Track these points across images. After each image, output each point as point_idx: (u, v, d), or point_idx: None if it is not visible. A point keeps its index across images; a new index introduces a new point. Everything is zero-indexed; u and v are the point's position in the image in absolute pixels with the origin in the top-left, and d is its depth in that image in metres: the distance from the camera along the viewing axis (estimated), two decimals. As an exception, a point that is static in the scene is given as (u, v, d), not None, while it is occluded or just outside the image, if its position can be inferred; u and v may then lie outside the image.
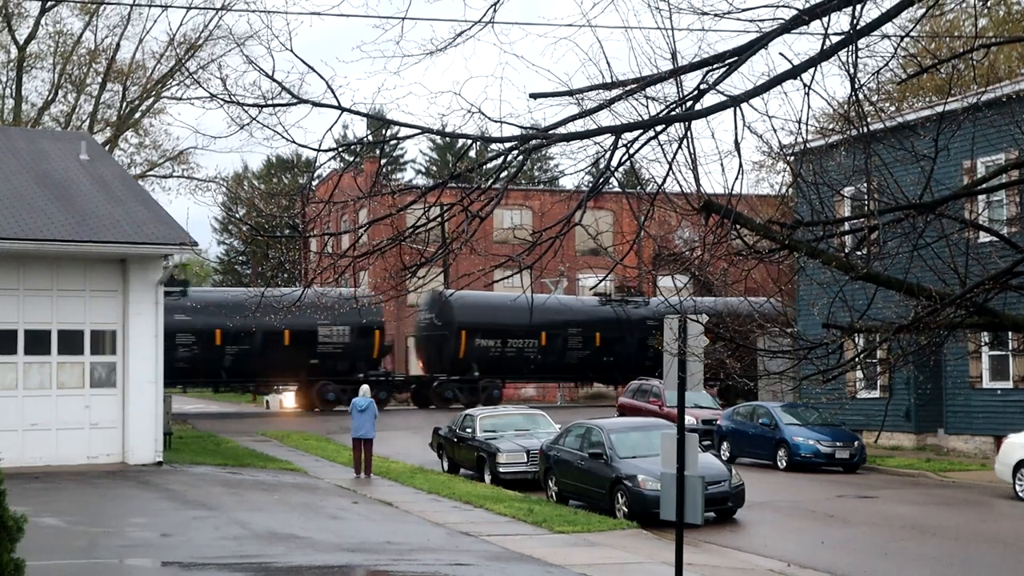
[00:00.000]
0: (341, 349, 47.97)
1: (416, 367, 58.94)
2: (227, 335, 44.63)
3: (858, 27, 8.90)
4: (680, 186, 9.53)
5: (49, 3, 48.38)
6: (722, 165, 9.88)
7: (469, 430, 28.00)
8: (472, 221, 9.37)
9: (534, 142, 9.27)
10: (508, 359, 50.79)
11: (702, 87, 9.11)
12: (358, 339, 47.88)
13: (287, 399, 55.14)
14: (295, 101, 9.46)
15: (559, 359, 51.53)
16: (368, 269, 43.24)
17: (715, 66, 9.15)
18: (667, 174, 9.38)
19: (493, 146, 9.60)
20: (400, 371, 59.66)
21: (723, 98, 9.02)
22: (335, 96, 9.41)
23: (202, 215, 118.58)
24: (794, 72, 9.01)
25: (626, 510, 21.16)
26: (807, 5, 9.03)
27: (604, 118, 9.43)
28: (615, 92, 9.32)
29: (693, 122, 9.23)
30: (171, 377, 46.26)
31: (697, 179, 9.38)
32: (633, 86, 9.30)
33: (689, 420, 24.24)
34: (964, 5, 37.48)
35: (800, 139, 9.34)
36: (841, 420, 31.37)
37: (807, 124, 9.21)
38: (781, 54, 9.22)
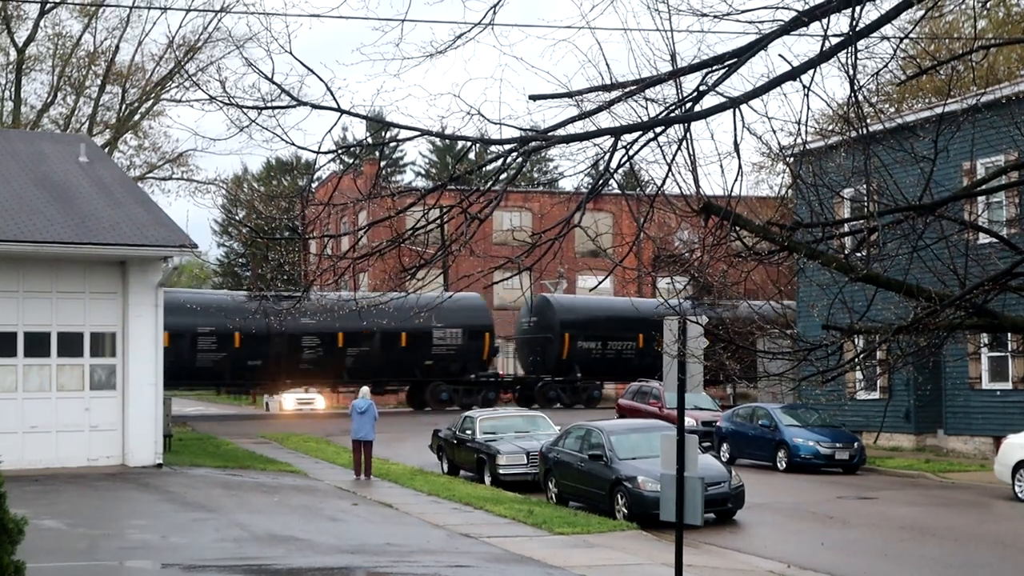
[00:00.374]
0: (454, 351, 49.76)
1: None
2: (348, 337, 46.81)
3: (857, 29, 8.90)
4: (679, 188, 9.52)
5: (48, 5, 48.38)
6: (721, 167, 9.88)
7: (469, 432, 27.98)
8: (471, 223, 9.36)
9: (533, 144, 9.27)
10: (608, 361, 52.34)
11: (701, 89, 9.10)
12: (469, 341, 49.64)
13: (287, 401, 55.08)
14: (294, 103, 9.45)
15: (655, 361, 52.23)
16: (368, 271, 43.28)
17: (714, 68, 9.14)
18: (666, 176, 9.38)
19: (492, 148, 9.60)
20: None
21: (722, 100, 9.02)
22: (334, 98, 9.41)
23: (201, 217, 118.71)
24: (793, 73, 9.00)
25: (626, 511, 21.15)
26: (806, 7, 9.03)
27: (603, 120, 9.43)
28: (614, 94, 9.32)
29: (692, 124, 9.23)
30: (298, 377, 48.71)
31: (696, 181, 9.38)
32: (632, 88, 9.29)
33: (689, 422, 24.24)
34: (963, 7, 37.47)
35: (799, 140, 9.33)
36: (841, 421, 31.36)
37: (806, 125, 9.20)
38: (780, 56, 9.22)
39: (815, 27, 9.01)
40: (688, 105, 9.14)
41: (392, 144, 10.68)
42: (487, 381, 50.76)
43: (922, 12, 11.78)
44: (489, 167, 9.67)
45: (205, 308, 44.94)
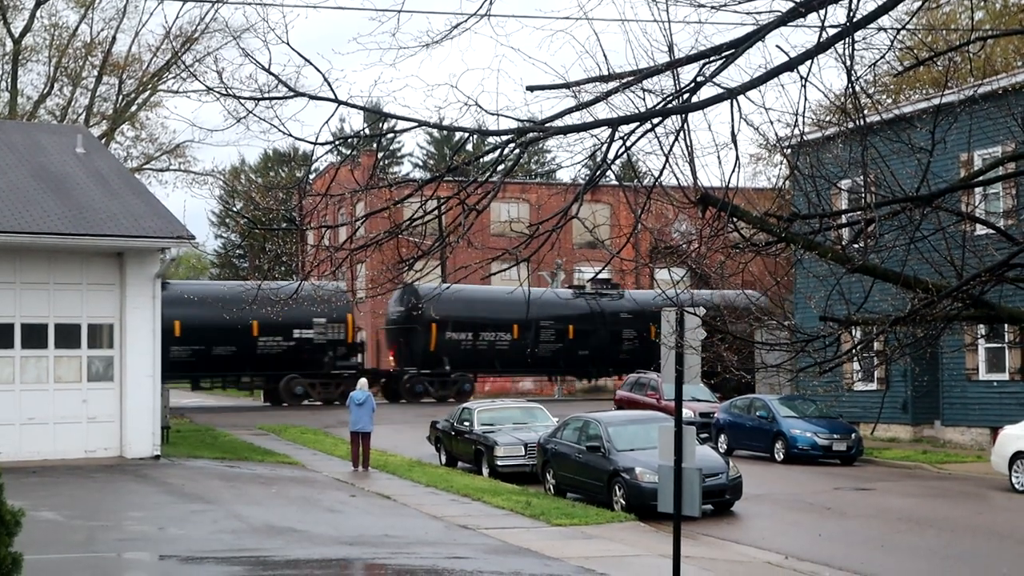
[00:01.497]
0: None
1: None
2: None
3: (855, 19, 8.89)
4: (677, 179, 9.51)
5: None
6: (719, 158, 9.84)
7: (467, 423, 27.98)
8: (469, 214, 9.36)
9: (531, 135, 9.26)
10: None
11: (699, 80, 9.09)
12: None
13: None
14: (291, 94, 9.44)
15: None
16: (365, 262, 43.25)
17: (712, 59, 9.13)
18: (664, 167, 9.37)
19: (490, 139, 9.58)
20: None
21: (720, 91, 9.00)
22: (331, 89, 9.39)
23: (199, 208, 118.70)
24: (791, 64, 8.99)
25: (624, 503, 21.17)
26: (804, -2, 9.02)
27: (601, 111, 9.41)
28: (612, 85, 9.30)
29: (690, 115, 9.21)
30: (617, 366, 53.06)
31: (694, 172, 9.37)
32: (630, 79, 9.28)
33: (687, 413, 24.27)
34: (961, -3, 37.44)
35: (797, 132, 9.33)
36: (838, 412, 31.38)
37: (804, 117, 9.19)
38: (778, 47, 9.20)
39: (812, 18, 9.00)
40: (685, 96, 9.13)
41: (389, 135, 10.65)
42: None
43: (919, 3, 11.78)
44: (486, 158, 9.65)
45: (543, 304, 49.88)
